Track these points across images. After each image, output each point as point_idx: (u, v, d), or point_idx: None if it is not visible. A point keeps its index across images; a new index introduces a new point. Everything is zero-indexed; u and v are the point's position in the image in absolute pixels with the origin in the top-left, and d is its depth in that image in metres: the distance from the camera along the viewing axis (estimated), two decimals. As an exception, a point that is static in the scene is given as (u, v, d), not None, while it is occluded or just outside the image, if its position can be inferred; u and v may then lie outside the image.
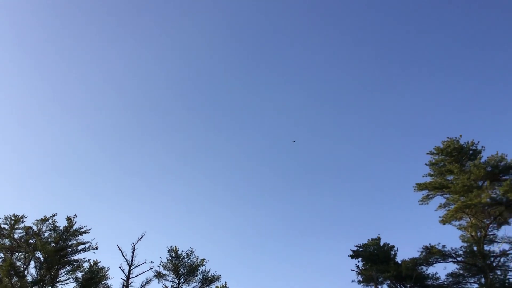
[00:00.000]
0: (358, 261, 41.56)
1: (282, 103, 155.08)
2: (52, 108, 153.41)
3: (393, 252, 41.48)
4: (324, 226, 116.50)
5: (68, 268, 44.08)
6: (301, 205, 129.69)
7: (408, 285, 39.39)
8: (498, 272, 36.98)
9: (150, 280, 42.94)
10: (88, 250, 44.25)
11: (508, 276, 36.45)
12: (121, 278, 41.73)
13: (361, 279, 40.82)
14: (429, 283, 39.30)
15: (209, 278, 44.11)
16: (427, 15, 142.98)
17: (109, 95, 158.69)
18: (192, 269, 43.95)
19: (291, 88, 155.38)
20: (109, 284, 45.05)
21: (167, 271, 44.09)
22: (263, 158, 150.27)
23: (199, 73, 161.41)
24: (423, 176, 41.53)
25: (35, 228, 45.56)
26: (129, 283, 41.72)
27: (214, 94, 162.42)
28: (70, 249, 44.20)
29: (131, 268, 42.06)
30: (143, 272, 42.51)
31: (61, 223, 45.26)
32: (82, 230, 44.79)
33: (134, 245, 42.44)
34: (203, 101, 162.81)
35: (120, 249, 41.96)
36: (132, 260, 42.21)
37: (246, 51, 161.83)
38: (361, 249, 41.99)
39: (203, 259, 44.68)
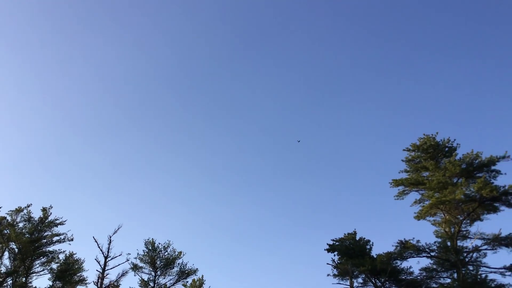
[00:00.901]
0: (334, 255, 41.87)
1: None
2: (32, 98, 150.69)
3: (368, 247, 41.88)
4: (303, 219, 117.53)
5: (42, 259, 43.65)
6: (283, 198, 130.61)
7: (383, 279, 39.89)
8: (470, 268, 37.51)
9: (126, 272, 42.87)
10: (64, 242, 43.86)
11: (480, 272, 37.09)
12: (97, 270, 41.48)
13: (336, 273, 41.17)
14: (403, 277, 39.79)
15: (186, 271, 44.15)
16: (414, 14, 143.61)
17: (89, 84, 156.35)
18: (169, 262, 43.92)
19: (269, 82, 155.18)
20: (84, 276, 44.87)
21: (144, 263, 44.04)
22: (247, 147, 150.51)
23: (186, 60, 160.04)
24: (399, 172, 41.95)
25: (9, 218, 44.71)
26: (104, 275, 41.44)
27: (199, 81, 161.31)
28: (45, 240, 43.68)
29: (107, 260, 41.71)
30: (119, 264, 42.42)
31: (36, 214, 44.74)
32: (57, 221, 44.29)
33: (110, 237, 42.12)
34: (185, 88, 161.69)
35: (96, 241, 41.61)
36: (108, 252, 41.86)
37: (239, 41, 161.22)
38: (337, 243, 42.28)
39: (180, 252, 44.74)
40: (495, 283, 35.94)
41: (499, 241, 36.40)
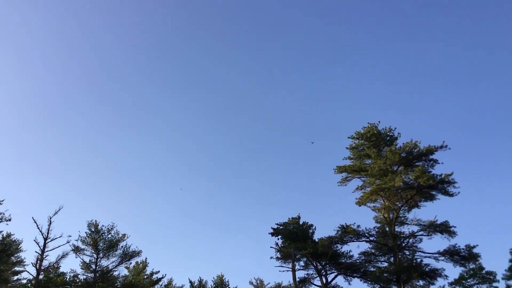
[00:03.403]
0: (278, 239, 42.55)
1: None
2: None
3: (311, 231, 42.79)
4: (252, 204, 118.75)
5: (-23, 240, 41.84)
6: (238, 176, 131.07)
7: (323, 262, 40.90)
8: (407, 252, 39.16)
9: (66, 254, 41.91)
10: (1, 222, 42.07)
11: (415, 256, 38.73)
12: (36, 252, 40.39)
13: (279, 256, 41.86)
14: (343, 260, 40.98)
15: (129, 254, 43.67)
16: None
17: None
18: (112, 244, 43.23)
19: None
20: (22, 257, 43.39)
21: (86, 245, 43.12)
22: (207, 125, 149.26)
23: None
24: (343, 159, 42.87)
25: None
26: (43, 256, 40.37)
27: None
28: (-20, 221, 41.84)
29: (47, 241, 40.71)
30: (59, 246, 41.37)
31: (-28, 194, 42.81)
32: (-7, 201, 42.39)
33: (50, 218, 41.02)
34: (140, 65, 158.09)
35: (35, 222, 40.47)
36: (48, 233, 40.81)
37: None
38: (281, 227, 42.95)
39: (124, 234, 44.21)
40: (429, 267, 37.73)
41: (434, 228, 37.92)
